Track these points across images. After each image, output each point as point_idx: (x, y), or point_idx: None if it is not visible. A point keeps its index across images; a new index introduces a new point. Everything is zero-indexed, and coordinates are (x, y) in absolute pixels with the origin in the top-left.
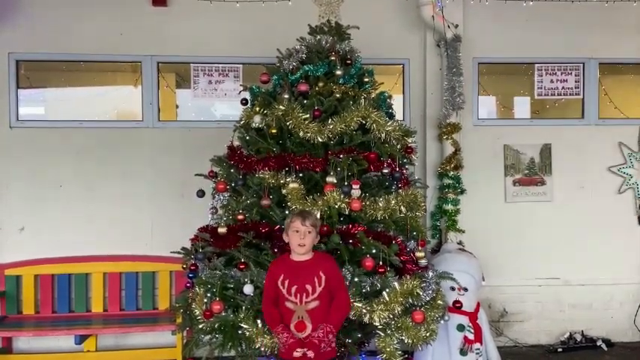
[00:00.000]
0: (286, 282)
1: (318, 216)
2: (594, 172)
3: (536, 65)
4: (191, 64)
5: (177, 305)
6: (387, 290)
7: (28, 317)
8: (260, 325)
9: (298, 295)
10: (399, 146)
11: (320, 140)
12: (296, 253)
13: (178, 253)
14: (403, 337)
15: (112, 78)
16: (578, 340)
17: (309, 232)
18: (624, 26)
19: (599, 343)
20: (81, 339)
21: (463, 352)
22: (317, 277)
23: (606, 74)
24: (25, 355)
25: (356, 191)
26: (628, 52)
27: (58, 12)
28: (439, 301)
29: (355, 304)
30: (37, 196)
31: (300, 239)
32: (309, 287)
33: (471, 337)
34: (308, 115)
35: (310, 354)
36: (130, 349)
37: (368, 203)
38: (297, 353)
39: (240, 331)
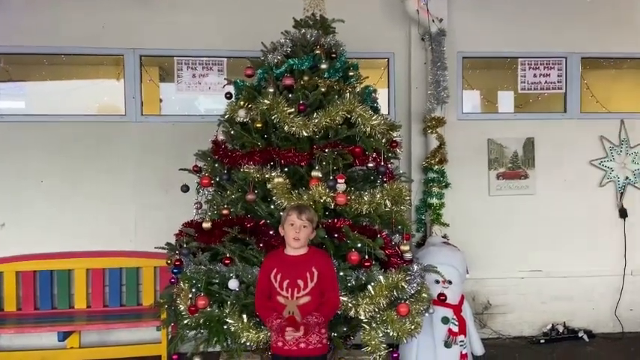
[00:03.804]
0: (278, 276)
1: None
2: (576, 165)
3: (520, 60)
4: (174, 58)
5: (161, 301)
6: (373, 284)
7: (9, 314)
8: (245, 320)
9: (290, 290)
10: (384, 140)
11: (305, 134)
12: (291, 247)
13: (163, 248)
14: (388, 330)
15: (94, 71)
16: (560, 331)
17: (305, 227)
18: (606, 21)
19: (580, 334)
20: (64, 336)
21: (447, 345)
22: (309, 273)
23: (588, 69)
24: (7, 353)
25: (341, 185)
26: (610, 46)
27: (39, 4)
28: (424, 294)
29: (341, 297)
30: (18, 192)
31: (296, 233)
32: (300, 282)
33: (455, 329)
34: (293, 109)
35: (300, 332)
36: (114, 346)
37: (353, 197)
38: (289, 336)
39: (225, 326)
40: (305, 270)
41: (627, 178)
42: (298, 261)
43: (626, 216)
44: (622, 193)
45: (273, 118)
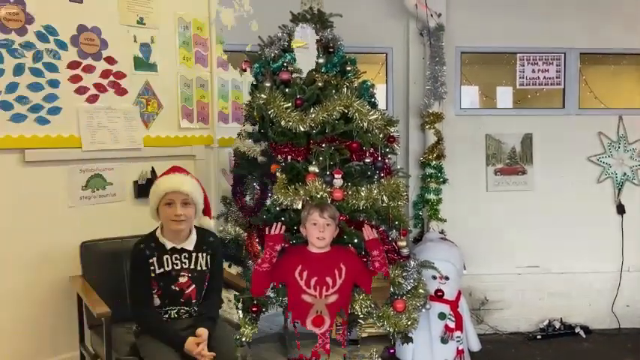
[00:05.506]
0: (305, 273)
1: (300, 206)
2: (574, 161)
3: (519, 55)
4: None
5: None
6: None
7: None
8: (241, 316)
9: (317, 288)
10: (381, 135)
11: (302, 129)
12: (315, 247)
13: None
14: (384, 326)
15: None
16: (557, 327)
17: (328, 225)
18: (606, 16)
19: (577, 330)
20: None
21: (444, 340)
22: (337, 269)
23: (587, 64)
24: None
25: (338, 181)
26: (608, 42)
27: None
28: (420, 290)
29: None
30: None
31: (320, 232)
32: (329, 280)
33: (452, 325)
34: (290, 104)
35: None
36: None
37: (350, 193)
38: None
39: None
40: (333, 267)
41: (625, 174)
42: (325, 258)
43: (624, 212)
44: (620, 190)
45: (269, 112)
